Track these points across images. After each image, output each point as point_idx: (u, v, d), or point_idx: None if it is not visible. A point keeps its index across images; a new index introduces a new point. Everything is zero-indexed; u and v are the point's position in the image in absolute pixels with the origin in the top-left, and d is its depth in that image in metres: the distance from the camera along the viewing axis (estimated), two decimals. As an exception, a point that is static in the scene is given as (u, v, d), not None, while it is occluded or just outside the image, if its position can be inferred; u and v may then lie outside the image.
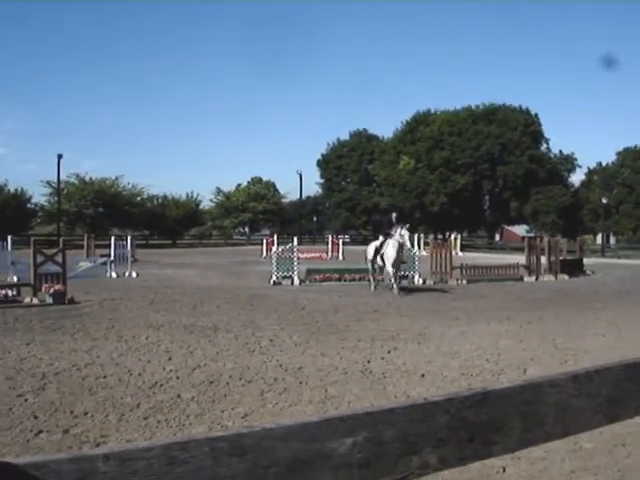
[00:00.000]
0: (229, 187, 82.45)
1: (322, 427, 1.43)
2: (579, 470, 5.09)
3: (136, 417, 6.32)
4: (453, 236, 53.28)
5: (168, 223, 69.89)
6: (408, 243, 19.43)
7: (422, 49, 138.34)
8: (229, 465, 1.33)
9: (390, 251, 18.97)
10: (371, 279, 20.32)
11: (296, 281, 21.92)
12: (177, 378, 7.87)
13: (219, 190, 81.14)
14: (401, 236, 18.96)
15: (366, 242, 33.45)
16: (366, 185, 79.32)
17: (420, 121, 77.36)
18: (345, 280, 22.34)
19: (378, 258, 19.66)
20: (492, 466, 5.20)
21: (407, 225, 20.23)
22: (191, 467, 1.29)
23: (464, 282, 23.41)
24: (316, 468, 1.41)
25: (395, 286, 18.85)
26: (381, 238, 19.90)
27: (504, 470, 5.13)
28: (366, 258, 20.42)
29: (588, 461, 5.33)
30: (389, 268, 19.15)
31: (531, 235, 37.13)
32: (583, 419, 1.77)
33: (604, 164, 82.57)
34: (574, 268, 28.07)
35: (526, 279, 25.16)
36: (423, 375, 8.16)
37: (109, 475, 1.22)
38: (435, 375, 8.15)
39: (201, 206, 79.71)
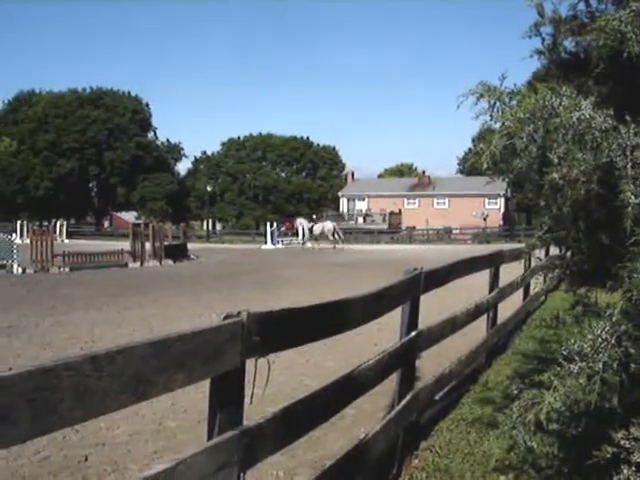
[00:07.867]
0: None
1: None
2: (162, 450, 5.18)
3: None
4: (59, 223, 51.57)
5: None
6: None
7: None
8: None
9: None
10: None
11: None
12: None
13: None
14: None
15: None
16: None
17: (23, 101, 72.95)
18: None
19: None
20: (74, 456, 5.04)
21: None
22: None
23: (67, 270, 22.66)
24: None
25: None
26: None
27: (86, 459, 4.99)
28: None
29: (171, 439, 5.47)
30: None
31: (138, 222, 37.52)
32: (106, 401, 1.73)
33: (209, 153, 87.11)
34: (178, 253, 29.06)
35: (131, 265, 25.29)
36: (11, 369, 7.58)
37: None
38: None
39: None
